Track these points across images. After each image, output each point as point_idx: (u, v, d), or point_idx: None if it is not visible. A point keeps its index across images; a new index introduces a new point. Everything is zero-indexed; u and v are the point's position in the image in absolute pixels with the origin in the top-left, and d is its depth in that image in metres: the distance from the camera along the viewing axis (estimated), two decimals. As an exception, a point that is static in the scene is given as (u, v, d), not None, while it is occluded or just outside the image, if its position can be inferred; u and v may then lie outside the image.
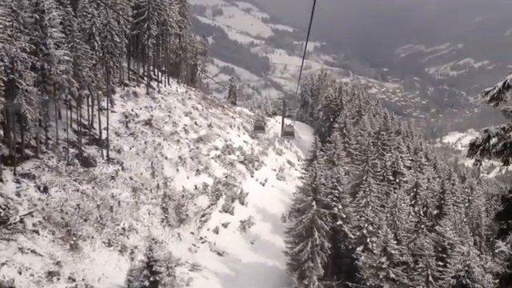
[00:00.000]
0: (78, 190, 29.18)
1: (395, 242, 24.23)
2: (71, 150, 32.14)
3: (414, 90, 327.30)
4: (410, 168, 41.23)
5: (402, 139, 43.09)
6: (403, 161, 38.73)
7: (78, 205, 27.97)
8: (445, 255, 23.44)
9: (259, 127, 43.99)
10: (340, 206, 28.71)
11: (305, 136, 67.13)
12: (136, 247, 28.78)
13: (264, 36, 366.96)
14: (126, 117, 40.25)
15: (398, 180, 36.70)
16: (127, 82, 45.38)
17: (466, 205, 39.63)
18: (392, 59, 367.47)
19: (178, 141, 42.38)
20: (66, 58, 29.05)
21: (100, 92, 32.88)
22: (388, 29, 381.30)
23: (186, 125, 45.46)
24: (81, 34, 31.27)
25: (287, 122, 40.68)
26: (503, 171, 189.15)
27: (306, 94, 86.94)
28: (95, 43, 31.97)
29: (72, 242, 25.53)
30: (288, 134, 43.55)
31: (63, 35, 29.59)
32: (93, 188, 30.50)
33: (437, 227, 25.23)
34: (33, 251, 23.32)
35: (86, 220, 27.54)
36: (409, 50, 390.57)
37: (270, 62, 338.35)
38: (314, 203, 27.37)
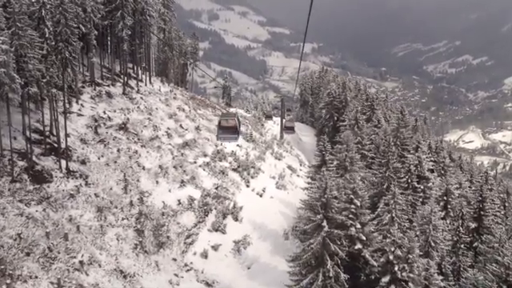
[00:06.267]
0: (21, 214, 22.84)
1: (441, 277, 17.83)
2: (20, 163, 25.85)
3: (413, 89, 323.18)
4: (432, 171, 34.90)
5: (421, 137, 36.72)
6: (426, 163, 32.39)
7: (19, 234, 21.59)
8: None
9: (227, 128, 21.24)
10: (358, 226, 22.31)
11: (306, 138, 60.93)
12: (97, 285, 22.37)
13: (261, 39, 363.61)
14: (96, 120, 33.95)
15: (422, 187, 30.36)
16: (99, 80, 39.12)
17: (502, 213, 33.32)
18: (390, 58, 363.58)
19: (159, 147, 36.09)
20: (4, 46, 22.85)
21: (54, 90, 26.55)
22: (385, 28, 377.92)
23: (169, 128, 39.20)
24: (26, 18, 24.97)
25: (287, 118, 34.49)
26: (507, 167, 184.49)
27: (305, 92, 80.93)
28: (45, 29, 25.71)
29: (5, 287, 19.14)
30: (288, 128, 38.16)
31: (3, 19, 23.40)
32: (44, 210, 24.15)
33: (499, 258, 18.83)
34: None
35: (28, 254, 21.16)
36: (406, 49, 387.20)
37: (268, 65, 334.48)
38: (324, 223, 21.04)
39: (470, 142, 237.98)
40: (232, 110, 59.88)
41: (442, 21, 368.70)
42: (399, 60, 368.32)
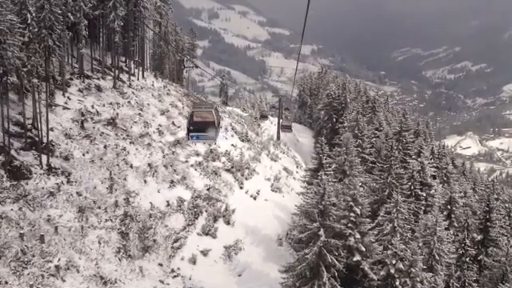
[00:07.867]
0: (-6, 214, 21.10)
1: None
2: (-3, 158, 24.10)
3: (412, 94, 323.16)
4: (434, 177, 33.37)
5: (423, 141, 35.19)
6: (429, 169, 30.84)
7: (-10, 235, 19.89)
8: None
9: (202, 123, 16.62)
10: (357, 236, 20.73)
11: (304, 139, 59.34)
12: (74, 293, 20.67)
13: (260, 39, 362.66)
14: (83, 114, 32.17)
15: (425, 194, 28.81)
16: (89, 73, 37.36)
17: (507, 223, 31.80)
18: (389, 62, 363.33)
19: (149, 144, 34.40)
20: (-20, 31, 21.15)
21: (36, 80, 24.82)
22: (385, 32, 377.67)
23: (160, 125, 37.53)
24: (8, 2, 23.25)
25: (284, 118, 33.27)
26: (503, 175, 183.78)
27: (303, 93, 79.45)
28: (28, 15, 23.96)
29: (-31, 293, 17.46)
30: (285, 127, 37.08)
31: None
32: (20, 209, 22.39)
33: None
34: None
35: (-2, 257, 19.44)
36: (406, 54, 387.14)
37: (267, 66, 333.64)
38: (321, 232, 19.44)
39: (468, 148, 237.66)
40: (228, 108, 58.28)
41: (442, 26, 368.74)
42: (398, 64, 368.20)
